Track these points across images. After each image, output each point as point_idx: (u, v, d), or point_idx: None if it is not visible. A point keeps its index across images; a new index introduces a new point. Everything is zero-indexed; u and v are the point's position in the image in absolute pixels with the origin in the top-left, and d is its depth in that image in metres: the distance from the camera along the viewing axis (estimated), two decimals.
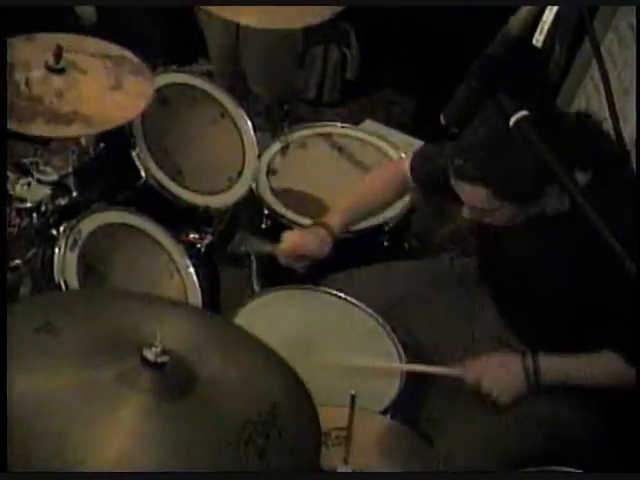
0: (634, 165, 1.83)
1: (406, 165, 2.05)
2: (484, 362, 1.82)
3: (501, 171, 1.62)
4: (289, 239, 2.05)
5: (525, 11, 1.20)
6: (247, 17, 2.35)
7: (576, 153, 1.54)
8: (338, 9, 2.43)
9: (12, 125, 1.86)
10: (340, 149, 2.61)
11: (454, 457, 1.74)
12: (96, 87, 2.03)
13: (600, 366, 1.75)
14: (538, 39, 1.17)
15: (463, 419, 1.85)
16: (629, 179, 1.73)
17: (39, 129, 1.91)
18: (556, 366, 1.78)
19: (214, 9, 2.38)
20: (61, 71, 1.99)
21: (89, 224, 2.05)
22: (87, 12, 3.45)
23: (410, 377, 1.85)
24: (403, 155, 2.51)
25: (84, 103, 1.98)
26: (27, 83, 1.95)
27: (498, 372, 1.80)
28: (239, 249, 2.22)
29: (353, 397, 1.40)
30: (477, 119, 1.43)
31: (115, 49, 2.14)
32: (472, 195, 1.69)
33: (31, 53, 2.02)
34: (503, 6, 1.27)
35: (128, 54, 2.14)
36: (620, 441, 1.82)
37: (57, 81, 1.99)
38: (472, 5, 2.74)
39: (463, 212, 1.77)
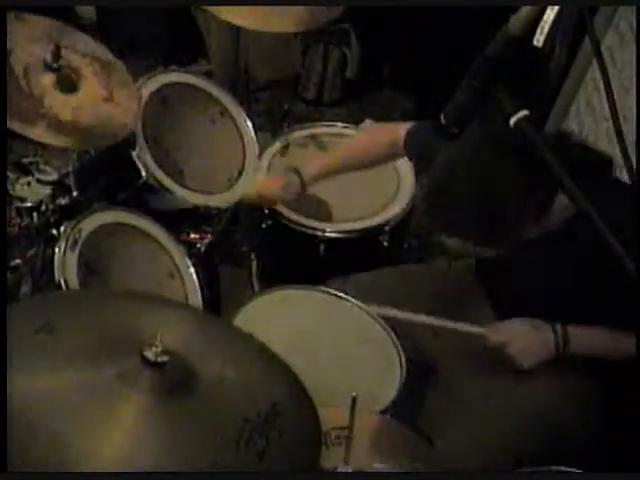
0: (633, 165, 1.82)
1: (401, 133, 2.03)
2: (513, 325, 1.79)
3: (474, 225, 1.59)
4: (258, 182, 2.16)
5: (526, 11, 1.20)
6: (243, 19, 2.37)
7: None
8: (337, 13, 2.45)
9: (14, 125, 1.86)
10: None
11: (453, 457, 1.75)
12: (90, 94, 2.03)
13: (623, 339, 1.72)
14: (539, 39, 1.17)
15: (462, 419, 1.85)
16: (622, 183, 1.72)
17: (40, 134, 1.90)
18: (584, 335, 1.75)
19: (214, 11, 2.39)
20: (57, 70, 1.99)
21: (89, 224, 2.05)
22: (87, 12, 3.46)
23: (409, 377, 1.85)
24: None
25: (81, 112, 1.98)
26: (26, 76, 1.94)
27: (527, 336, 1.77)
28: None
29: (354, 399, 1.40)
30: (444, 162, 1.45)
31: (104, 53, 2.14)
32: (450, 242, 1.68)
33: (24, 39, 1.99)
34: (503, 6, 1.27)
35: (114, 60, 2.14)
36: (620, 441, 1.82)
37: (54, 81, 1.99)
38: (472, 5, 2.73)
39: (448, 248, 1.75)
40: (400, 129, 2.05)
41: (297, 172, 2.16)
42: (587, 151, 1.67)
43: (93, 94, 2.03)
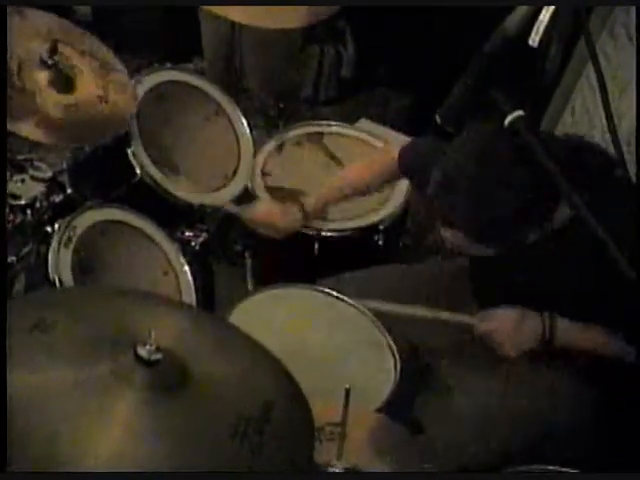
0: (632, 166, 1.83)
1: (394, 154, 2.05)
2: (501, 312, 1.81)
3: (478, 219, 1.60)
4: (259, 208, 2.21)
5: (522, 10, 1.20)
6: (239, 15, 2.37)
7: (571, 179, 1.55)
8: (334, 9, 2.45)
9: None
10: (335, 147, 2.61)
11: (446, 455, 1.75)
12: (85, 93, 2.02)
13: (610, 338, 1.74)
14: (534, 39, 1.17)
15: (453, 418, 1.86)
16: (624, 187, 1.72)
17: (29, 131, 1.90)
18: (571, 329, 1.76)
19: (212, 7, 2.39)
20: (53, 66, 1.98)
21: (84, 221, 2.05)
22: (83, 9, 3.45)
23: (403, 375, 1.86)
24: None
25: (73, 110, 1.97)
26: (19, 72, 1.94)
27: (514, 323, 1.78)
28: None
29: (348, 391, 1.40)
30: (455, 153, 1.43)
31: (103, 51, 2.14)
32: (450, 235, 1.69)
33: (22, 34, 1.99)
34: (500, 6, 1.27)
35: (114, 59, 2.14)
36: (613, 441, 1.82)
37: (48, 77, 1.98)
38: (470, 5, 2.74)
39: (446, 243, 1.76)
40: (393, 150, 2.08)
41: (299, 204, 2.16)
42: (597, 154, 1.67)
43: (88, 92, 2.03)
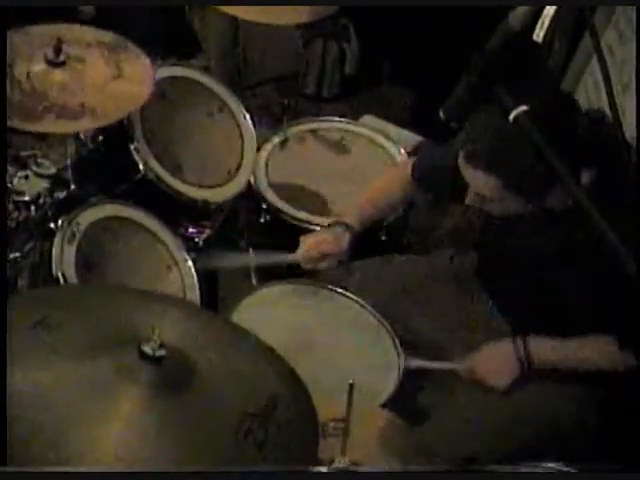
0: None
1: (409, 165, 2.07)
2: (475, 355, 1.85)
3: (515, 164, 1.59)
4: (306, 241, 2.06)
5: (525, 6, 1.20)
6: (242, 11, 2.37)
7: (590, 148, 1.54)
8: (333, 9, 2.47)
9: (19, 123, 1.86)
10: (339, 144, 2.61)
11: (448, 451, 1.75)
12: (98, 77, 2.03)
13: (591, 349, 1.76)
14: (538, 34, 1.17)
15: (456, 415, 1.86)
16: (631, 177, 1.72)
17: (50, 126, 1.91)
18: (546, 347, 1.80)
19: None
20: (61, 64, 1.99)
21: (87, 218, 2.05)
22: (86, 7, 3.45)
23: (407, 372, 1.86)
24: (402, 150, 2.52)
25: (89, 94, 1.98)
26: (29, 78, 1.95)
27: (490, 361, 1.83)
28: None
29: (352, 386, 1.40)
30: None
31: (109, 36, 2.14)
32: (480, 182, 1.67)
33: (28, 47, 2.02)
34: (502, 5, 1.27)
35: (122, 40, 2.14)
36: (616, 440, 1.82)
37: (59, 75, 1.99)
38: (472, 5, 2.73)
39: (467, 197, 1.74)
40: (408, 162, 2.10)
41: (339, 223, 2.08)
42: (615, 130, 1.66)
43: (102, 75, 2.03)
